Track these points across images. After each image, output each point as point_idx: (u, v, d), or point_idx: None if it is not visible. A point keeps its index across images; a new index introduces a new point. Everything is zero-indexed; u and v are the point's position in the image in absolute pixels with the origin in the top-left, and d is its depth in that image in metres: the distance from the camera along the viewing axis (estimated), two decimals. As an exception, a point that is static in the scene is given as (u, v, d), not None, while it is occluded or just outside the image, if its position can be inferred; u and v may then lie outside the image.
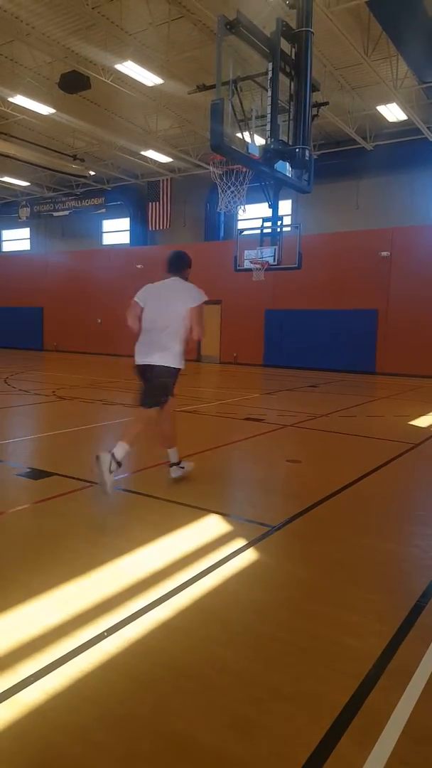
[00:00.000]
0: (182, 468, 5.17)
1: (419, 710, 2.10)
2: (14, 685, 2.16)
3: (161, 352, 4.74)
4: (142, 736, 1.94)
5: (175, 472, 5.13)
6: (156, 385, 4.80)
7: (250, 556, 3.45)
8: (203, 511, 4.24)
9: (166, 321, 4.80)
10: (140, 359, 4.85)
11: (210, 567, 3.27)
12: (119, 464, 4.52)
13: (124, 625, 2.61)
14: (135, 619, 2.66)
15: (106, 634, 2.53)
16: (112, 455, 4.48)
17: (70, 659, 2.34)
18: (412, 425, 8.50)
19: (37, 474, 5.21)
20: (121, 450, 4.56)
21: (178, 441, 5.18)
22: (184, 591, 2.97)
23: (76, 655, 2.37)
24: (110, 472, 4.44)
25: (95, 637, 2.51)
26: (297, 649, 2.49)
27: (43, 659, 2.33)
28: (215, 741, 1.93)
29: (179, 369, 4.84)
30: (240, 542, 3.65)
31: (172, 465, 5.15)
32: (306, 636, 2.59)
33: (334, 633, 2.62)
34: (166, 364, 4.75)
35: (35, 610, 2.73)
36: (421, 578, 3.24)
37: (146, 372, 4.82)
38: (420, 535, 4.01)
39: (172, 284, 5.02)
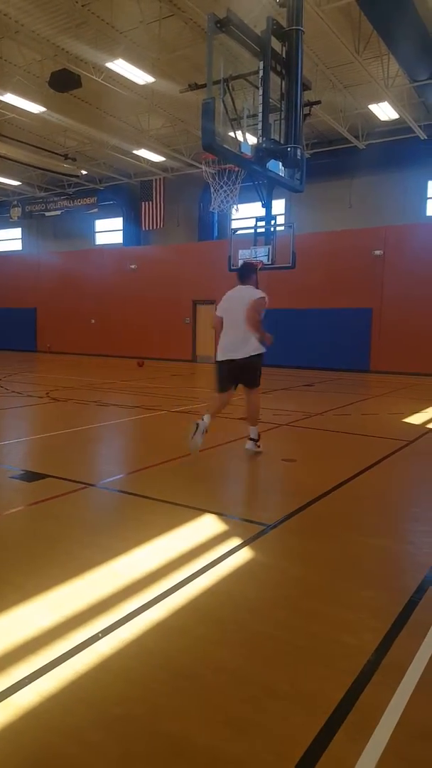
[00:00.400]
0: (258, 447, 6.22)
1: (413, 705, 2.11)
2: (8, 687, 2.16)
3: (243, 347, 5.91)
4: (138, 737, 1.94)
5: (250, 447, 6.21)
6: (251, 371, 6.06)
7: (245, 555, 3.46)
8: (198, 510, 4.25)
9: (238, 321, 5.95)
10: (222, 356, 6.10)
11: (205, 566, 3.27)
12: (205, 431, 5.79)
13: (119, 626, 2.61)
14: (130, 620, 2.66)
15: (100, 635, 2.53)
16: (198, 425, 5.73)
17: (64, 661, 2.34)
18: (405, 423, 8.53)
19: (30, 476, 5.19)
20: (207, 420, 5.83)
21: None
22: (179, 591, 2.97)
23: (70, 657, 2.36)
24: (201, 436, 5.71)
25: (90, 638, 2.50)
26: (292, 647, 2.49)
27: (37, 661, 2.33)
28: (211, 740, 1.93)
29: (261, 353, 6.02)
30: (235, 541, 3.65)
31: (250, 439, 6.24)
32: (301, 634, 2.60)
33: (329, 630, 2.62)
34: (248, 354, 5.92)
35: (29, 613, 2.73)
36: (415, 574, 3.25)
37: (227, 366, 6.03)
38: (414, 532, 4.03)
39: (240, 291, 6.23)
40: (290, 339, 19.40)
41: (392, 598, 2.94)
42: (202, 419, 5.79)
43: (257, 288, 6.29)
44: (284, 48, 7.86)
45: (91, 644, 2.46)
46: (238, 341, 5.91)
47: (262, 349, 5.98)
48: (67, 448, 6.59)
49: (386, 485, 5.31)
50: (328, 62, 13.49)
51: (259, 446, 6.20)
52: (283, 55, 7.85)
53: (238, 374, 6.03)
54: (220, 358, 6.10)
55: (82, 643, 2.47)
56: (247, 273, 6.39)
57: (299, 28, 7.71)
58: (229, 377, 6.07)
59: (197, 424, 5.71)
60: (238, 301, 6.04)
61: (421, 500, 4.97)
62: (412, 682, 2.24)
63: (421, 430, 7.87)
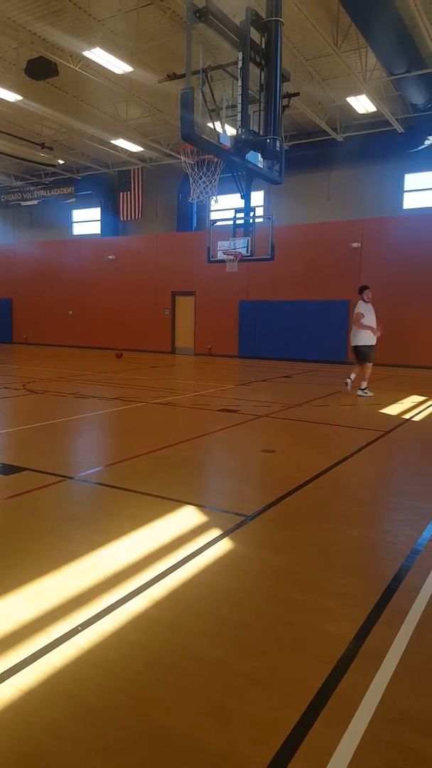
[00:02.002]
0: (366, 393, 10.46)
1: (390, 691, 2.15)
2: (-12, 682, 2.15)
3: (353, 339, 10.64)
4: (120, 728, 1.95)
5: (351, 389, 10.72)
6: (361, 353, 10.58)
7: (225, 545, 3.48)
8: (178, 502, 4.25)
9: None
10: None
11: (185, 558, 3.28)
12: (352, 381, 10.67)
13: (99, 619, 2.61)
14: (110, 613, 2.66)
15: (80, 628, 2.52)
16: (350, 378, 10.79)
17: (44, 655, 2.33)
18: (382, 413, 8.64)
19: (7, 469, 5.14)
20: (353, 376, 10.71)
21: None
22: (159, 582, 2.97)
23: (50, 651, 2.36)
24: (349, 386, 10.64)
25: (70, 631, 2.50)
26: (272, 636, 2.52)
27: (16, 656, 2.32)
28: (193, 730, 1.95)
29: (360, 345, 10.55)
30: (215, 532, 3.67)
31: (355, 387, 10.71)
32: (281, 623, 2.62)
33: (308, 619, 2.66)
34: (355, 344, 10.64)
35: (8, 607, 2.71)
36: (392, 562, 3.30)
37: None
38: (391, 521, 4.09)
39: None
40: (268, 330, 19.47)
41: (370, 587, 2.99)
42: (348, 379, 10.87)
43: (365, 302, 10.64)
44: (263, 39, 7.82)
45: (70, 637, 2.45)
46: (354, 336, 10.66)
47: (361, 342, 10.52)
48: (44, 440, 6.53)
49: (364, 475, 5.38)
50: (307, 54, 13.47)
51: (366, 392, 10.47)
52: (263, 47, 7.81)
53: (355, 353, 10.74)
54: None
55: (61, 636, 2.46)
56: (359, 291, 10.88)
57: (278, 19, 7.68)
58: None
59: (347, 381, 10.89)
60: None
61: (398, 490, 5.04)
62: (390, 669, 2.28)
63: (398, 421, 7.98)
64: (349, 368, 17.20)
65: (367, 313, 10.52)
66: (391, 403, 9.61)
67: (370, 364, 10.51)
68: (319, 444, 6.70)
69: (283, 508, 4.26)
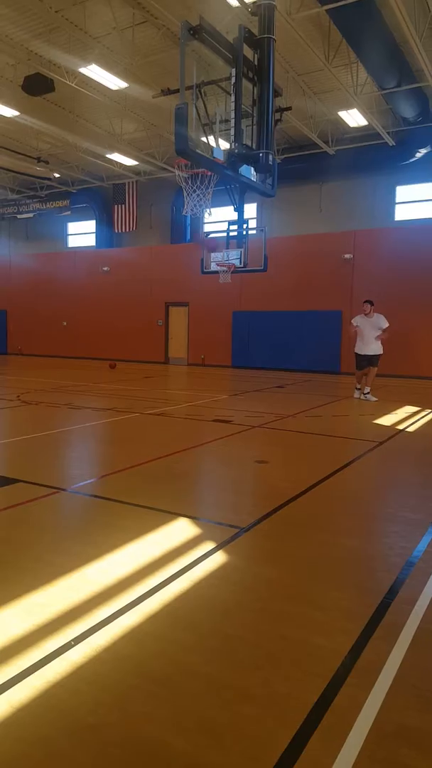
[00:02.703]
0: (368, 396, 11.38)
1: (386, 707, 2.13)
2: (-21, 699, 2.12)
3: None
4: (112, 744, 1.93)
5: (366, 396, 11.39)
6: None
7: (219, 558, 3.46)
8: (171, 514, 4.23)
9: None
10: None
11: (179, 571, 3.26)
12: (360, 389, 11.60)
13: (92, 633, 2.58)
14: (103, 627, 2.64)
15: (73, 642, 2.50)
16: (358, 389, 11.64)
17: (36, 670, 2.30)
18: (376, 424, 8.65)
19: (0, 481, 5.11)
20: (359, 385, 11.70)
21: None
22: (152, 596, 2.95)
23: (42, 665, 2.33)
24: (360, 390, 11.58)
25: (62, 646, 2.47)
26: (266, 650, 2.50)
27: (8, 671, 2.29)
28: (186, 746, 1.93)
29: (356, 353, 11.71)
30: (209, 545, 3.65)
31: (367, 393, 11.44)
32: (275, 637, 2.61)
33: (302, 633, 2.64)
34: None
35: (0, 620, 2.68)
36: (387, 575, 3.29)
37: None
38: (386, 532, 4.08)
39: None
40: (261, 341, 19.54)
41: (365, 600, 2.98)
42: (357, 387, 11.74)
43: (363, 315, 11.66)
44: (256, 55, 7.92)
45: (63, 652, 2.43)
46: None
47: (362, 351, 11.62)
48: (38, 452, 6.50)
49: (358, 486, 5.38)
50: (299, 69, 13.65)
51: (368, 395, 11.44)
52: (255, 62, 7.92)
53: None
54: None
55: (54, 651, 2.44)
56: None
57: (270, 36, 7.79)
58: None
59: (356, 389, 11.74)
60: None
61: (392, 501, 5.04)
62: (386, 684, 2.26)
63: (392, 431, 7.99)
64: (340, 380, 17.30)
65: (361, 325, 11.56)
66: (385, 414, 9.63)
67: (358, 373, 11.83)
68: (312, 455, 6.70)
69: (276, 519, 4.25)
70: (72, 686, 2.22)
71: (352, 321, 11.78)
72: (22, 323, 25.66)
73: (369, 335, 11.45)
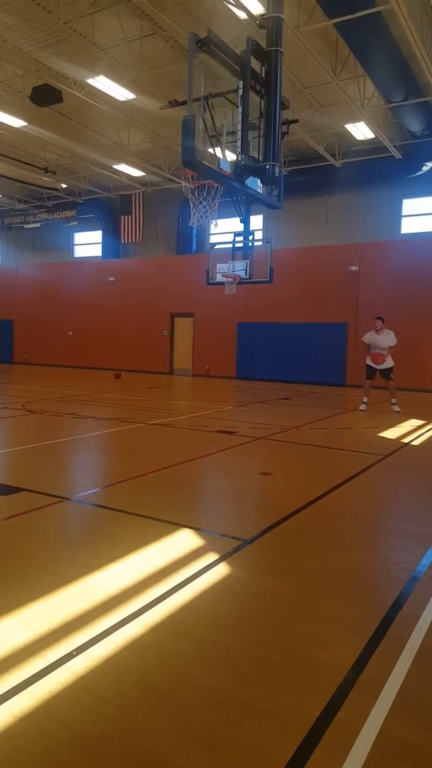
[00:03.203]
0: (394, 407, 11.58)
1: (390, 722, 2.11)
2: (-20, 708, 2.11)
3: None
4: (114, 756, 1.91)
5: (396, 408, 11.57)
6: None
7: (222, 570, 3.44)
8: (175, 525, 4.22)
9: None
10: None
11: (182, 582, 3.25)
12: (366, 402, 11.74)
13: (94, 644, 2.57)
14: (105, 637, 2.63)
15: (75, 653, 2.49)
16: (365, 402, 11.75)
17: (38, 680, 2.29)
18: (381, 437, 8.62)
19: (5, 490, 5.11)
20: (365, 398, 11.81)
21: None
22: (155, 607, 2.94)
23: (44, 676, 2.32)
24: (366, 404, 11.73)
25: (64, 656, 2.47)
26: (269, 663, 2.48)
27: (10, 680, 2.28)
28: (187, 759, 1.91)
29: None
30: (212, 556, 3.64)
31: (393, 404, 11.64)
32: (277, 650, 2.59)
33: (305, 646, 2.62)
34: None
35: (2, 630, 2.68)
36: (391, 589, 3.27)
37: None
38: (390, 546, 4.06)
39: None
40: (266, 353, 19.53)
41: (369, 614, 2.96)
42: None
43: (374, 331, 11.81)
44: (263, 68, 7.99)
45: (65, 662, 2.42)
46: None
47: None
48: (42, 461, 6.51)
49: (363, 499, 5.35)
50: (306, 82, 13.76)
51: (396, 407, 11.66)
52: (263, 75, 7.98)
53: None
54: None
55: (56, 661, 2.43)
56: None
57: (278, 49, 7.85)
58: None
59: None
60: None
61: (397, 514, 5.02)
62: (389, 699, 2.24)
63: (397, 444, 7.96)
64: (345, 392, 17.26)
65: (373, 340, 11.79)
66: (390, 427, 9.60)
67: (366, 382, 11.95)
68: (317, 467, 6.67)
69: (280, 532, 4.23)
70: (74, 697, 2.20)
71: (363, 338, 11.98)
72: (28, 333, 25.76)
73: (380, 351, 11.69)
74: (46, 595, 3.03)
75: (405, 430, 9.27)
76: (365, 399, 11.81)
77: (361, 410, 11.68)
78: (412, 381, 16.91)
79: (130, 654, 2.51)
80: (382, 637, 2.71)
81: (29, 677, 2.31)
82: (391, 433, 8.92)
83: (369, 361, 11.80)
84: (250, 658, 2.52)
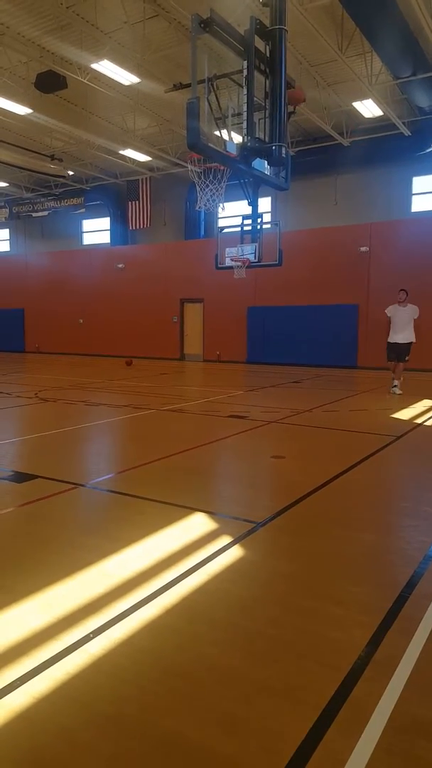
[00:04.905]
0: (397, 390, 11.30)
1: (404, 700, 2.13)
2: (1, 689, 2.16)
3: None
4: (131, 736, 1.95)
5: (397, 390, 11.26)
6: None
7: (235, 552, 3.47)
8: (188, 509, 4.25)
9: None
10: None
11: (196, 565, 3.28)
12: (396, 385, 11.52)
13: (111, 626, 2.61)
14: (121, 620, 2.67)
15: (92, 635, 2.53)
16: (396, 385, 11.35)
17: (56, 662, 2.34)
18: (394, 418, 8.59)
19: (20, 477, 5.18)
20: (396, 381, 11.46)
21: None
22: (170, 590, 2.98)
23: (62, 658, 2.36)
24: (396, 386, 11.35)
25: (81, 638, 2.51)
26: (283, 644, 2.51)
27: (29, 663, 2.33)
28: (204, 738, 1.94)
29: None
30: (226, 539, 3.66)
31: (394, 386, 11.36)
32: (292, 631, 2.61)
33: (319, 627, 2.64)
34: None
35: (20, 614, 2.72)
36: (405, 569, 3.28)
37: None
38: (403, 527, 4.06)
39: None
40: (277, 336, 19.47)
41: (382, 594, 2.97)
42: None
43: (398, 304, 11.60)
44: (268, 47, 7.86)
45: (82, 644, 2.46)
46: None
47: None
48: (56, 448, 6.57)
49: (375, 481, 5.35)
50: (312, 60, 13.53)
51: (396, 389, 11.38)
52: (267, 54, 7.85)
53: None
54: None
55: (73, 643, 2.47)
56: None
57: (282, 27, 7.71)
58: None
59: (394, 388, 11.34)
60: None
61: (410, 495, 5.01)
62: (403, 678, 2.26)
63: (410, 425, 7.93)
64: (357, 374, 17.20)
65: (394, 313, 11.50)
66: (403, 408, 9.55)
67: (391, 363, 11.70)
68: (329, 450, 6.67)
69: (293, 514, 4.25)
70: (91, 678, 2.24)
71: (386, 311, 11.64)
72: (39, 321, 25.87)
73: (402, 323, 11.37)
74: (62, 579, 3.08)
75: (418, 411, 9.22)
76: (396, 382, 11.42)
77: (397, 393, 11.22)
78: (424, 361, 16.78)
79: (147, 636, 2.55)
80: (396, 617, 2.73)
81: (48, 659, 2.35)
82: (404, 414, 8.88)
83: (390, 337, 11.44)
84: (265, 638, 2.54)
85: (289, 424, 8.16)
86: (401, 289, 11.57)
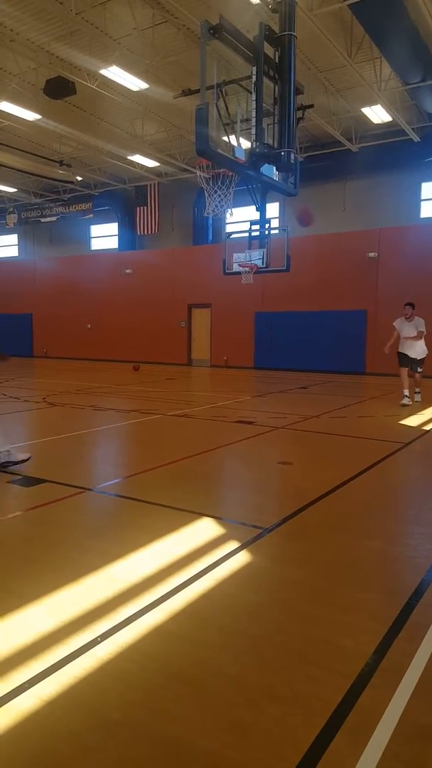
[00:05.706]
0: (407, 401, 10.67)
1: (411, 707, 2.12)
2: (9, 692, 2.16)
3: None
4: (138, 741, 1.95)
5: (408, 401, 10.65)
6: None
7: (242, 558, 3.47)
8: (196, 514, 4.25)
9: None
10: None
11: (203, 570, 3.27)
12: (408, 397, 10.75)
13: (118, 631, 2.61)
14: (128, 625, 2.67)
15: (99, 639, 2.53)
16: (407, 396, 10.67)
17: (64, 666, 2.34)
18: (402, 424, 8.56)
19: (29, 481, 5.19)
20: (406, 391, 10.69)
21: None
22: (177, 595, 2.97)
23: (70, 662, 2.37)
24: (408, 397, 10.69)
25: (89, 643, 2.51)
26: (290, 650, 2.50)
27: (36, 666, 2.33)
28: (211, 744, 1.94)
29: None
30: (233, 545, 3.66)
31: (405, 397, 10.69)
32: (299, 637, 2.61)
33: (327, 633, 2.63)
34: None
35: (28, 618, 2.73)
36: (412, 576, 3.26)
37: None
38: (411, 534, 4.04)
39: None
40: (285, 342, 19.46)
41: (390, 601, 2.95)
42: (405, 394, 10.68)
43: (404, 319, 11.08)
44: (277, 53, 7.90)
45: (90, 649, 2.46)
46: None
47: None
48: (64, 452, 6.59)
49: (383, 488, 5.33)
50: (321, 66, 13.57)
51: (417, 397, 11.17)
52: (276, 60, 7.90)
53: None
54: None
55: (81, 647, 2.47)
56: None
57: (291, 33, 7.76)
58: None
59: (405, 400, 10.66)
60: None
61: (418, 502, 4.99)
62: (411, 685, 2.24)
63: (418, 432, 7.90)
64: (365, 380, 17.16)
65: (401, 328, 10.91)
66: (411, 415, 9.52)
67: (401, 370, 10.90)
68: (336, 456, 6.66)
69: (300, 520, 4.24)
70: (99, 683, 2.25)
71: (394, 323, 11.04)
72: (47, 326, 25.99)
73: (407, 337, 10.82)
74: (70, 583, 3.08)
75: (426, 418, 9.19)
76: (407, 392, 10.63)
77: (405, 404, 10.54)
78: (432, 367, 16.72)
79: (154, 641, 2.55)
80: (404, 624, 2.71)
81: (55, 663, 2.35)
82: (412, 421, 8.85)
83: (401, 348, 10.83)
84: (272, 645, 2.54)
85: (296, 430, 8.14)
86: (407, 304, 10.92)
